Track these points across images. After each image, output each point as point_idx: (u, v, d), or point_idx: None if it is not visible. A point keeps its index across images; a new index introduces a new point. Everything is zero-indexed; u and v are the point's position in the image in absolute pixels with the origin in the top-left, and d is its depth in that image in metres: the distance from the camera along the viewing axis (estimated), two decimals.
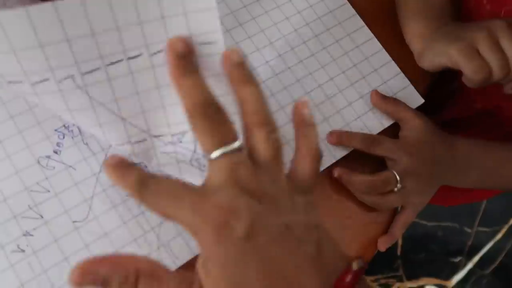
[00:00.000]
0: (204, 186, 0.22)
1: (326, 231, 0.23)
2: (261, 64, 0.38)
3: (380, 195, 0.36)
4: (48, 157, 0.31)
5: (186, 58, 0.22)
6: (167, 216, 0.21)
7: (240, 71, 0.23)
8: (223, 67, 0.23)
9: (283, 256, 0.20)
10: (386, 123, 0.38)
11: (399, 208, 0.39)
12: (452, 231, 1.07)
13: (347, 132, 0.37)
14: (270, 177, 0.22)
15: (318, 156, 0.24)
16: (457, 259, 1.06)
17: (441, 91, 0.50)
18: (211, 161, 0.22)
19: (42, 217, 0.29)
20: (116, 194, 0.31)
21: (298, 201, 0.22)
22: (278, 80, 0.38)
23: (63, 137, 0.32)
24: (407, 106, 0.38)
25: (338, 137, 0.36)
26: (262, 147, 0.23)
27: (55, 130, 0.32)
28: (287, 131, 0.33)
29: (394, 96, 0.39)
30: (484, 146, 0.40)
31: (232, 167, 0.22)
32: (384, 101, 0.38)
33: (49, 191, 0.30)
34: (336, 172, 0.36)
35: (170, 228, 0.30)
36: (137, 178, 0.22)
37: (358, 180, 0.35)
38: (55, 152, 0.31)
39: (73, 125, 0.32)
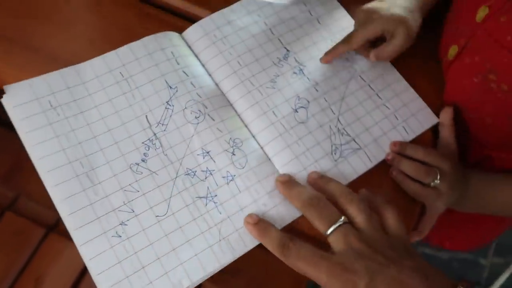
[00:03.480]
0: (331, 255, 0.31)
1: (430, 266, 0.30)
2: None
3: (420, 186, 0.42)
4: (137, 164, 0.39)
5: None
6: (305, 273, 0.31)
7: (319, 180, 0.37)
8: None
9: None
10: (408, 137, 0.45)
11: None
12: (467, 263, 1.08)
13: (410, 144, 0.44)
14: (373, 237, 0.31)
15: (397, 212, 0.34)
16: None
17: None
18: (328, 236, 0.32)
19: (133, 211, 0.37)
20: (188, 196, 0.39)
21: (400, 249, 0.31)
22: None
23: (149, 149, 0.40)
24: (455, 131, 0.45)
25: (402, 146, 0.43)
26: (358, 217, 0.33)
27: (142, 142, 0.40)
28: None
29: (414, 115, 0.46)
30: (493, 178, 0.45)
31: (344, 236, 0.31)
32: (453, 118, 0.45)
33: (138, 191, 0.38)
34: (391, 155, 0.43)
35: (229, 225, 0.38)
36: (278, 241, 0.33)
37: (409, 162, 0.42)
38: (143, 160, 0.39)
39: (156, 138, 0.40)
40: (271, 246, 0.33)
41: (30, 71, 0.41)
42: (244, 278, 0.35)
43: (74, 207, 0.36)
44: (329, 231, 0.32)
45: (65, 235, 0.38)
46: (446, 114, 0.45)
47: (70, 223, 0.35)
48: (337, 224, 0.32)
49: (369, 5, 0.46)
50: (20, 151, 0.37)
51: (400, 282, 0.28)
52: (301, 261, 0.31)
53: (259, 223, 0.35)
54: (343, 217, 0.33)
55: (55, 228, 0.40)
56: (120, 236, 0.36)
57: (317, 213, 0.33)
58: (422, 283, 0.28)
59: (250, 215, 0.37)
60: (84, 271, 0.39)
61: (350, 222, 0.33)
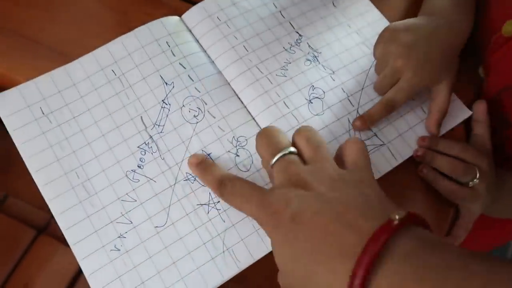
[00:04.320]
0: (271, 187, 0.28)
1: (380, 199, 0.25)
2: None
3: (457, 185, 0.37)
4: (134, 171, 0.37)
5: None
6: (240, 209, 0.29)
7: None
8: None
9: (325, 221, 0.24)
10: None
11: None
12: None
13: (442, 138, 0.39)
14: (315, 169, 0.27)
15: (362, 144, 0.29)
16: None
17: None
18: (272, 167, 0.28)
19: (131, 222, 0.35)
20: (189, 204, 0.36)
21: (346, 182, 0.26)
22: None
23: (145, 153, 0.37)
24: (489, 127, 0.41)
25: (432, 141, 0.39)
26: (304, 148, 0.29)
27: (138, 147, 0.37)
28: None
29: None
30: None
31: (285, 167, 0.28)
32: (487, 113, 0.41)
33: (136, 200, 0.36)
34: (420, 151, 0.38)
35: (233, 235, 0.35)
36: (216, 179, 0.31)
37: (445, 158, 0.37)
38: (139, 166, 0.37)
39: (152, 141, 0.38)
40: (210, 186, 0.32)
41: (17, 59, 0.39)
42: (250, 287, 0.33)
43: (72, 221, 0.35)
44: (273, 161, 0.29)
45: (56, 237, 0.37)
46: (480, 108, 0.39)
47: (69, 237, 0.34)
48: (281, 153, 0.28)
49: (410, 36, 0.38)
50: (10, 148, 0.36)
51: (331, 210, 0.24)
52: (235, 196, 0.29)
53: (202, 162, 0.34)
54: (291, 148, 0.29)
55: (46, 229, 0.39)
56: (119, 250, 0.34)
57: (266, 141, 0.30)
58: (358, 210, 0.23)
59: (194, 155, 0.35)
60: (76, 276, 0.38)
61: (300, 157, 0.29)
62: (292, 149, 0.29)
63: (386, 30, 0.40)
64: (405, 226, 0.22)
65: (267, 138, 0.30)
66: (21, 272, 0.34)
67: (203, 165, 0.34)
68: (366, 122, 0.38)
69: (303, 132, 0.29)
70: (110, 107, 0.38)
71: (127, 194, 0.36)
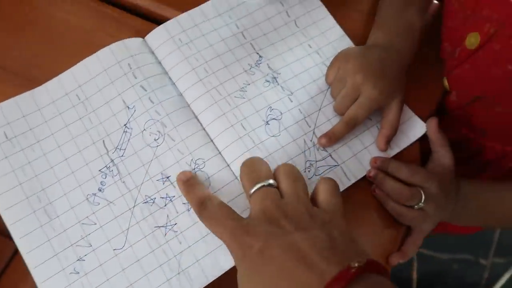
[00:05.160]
0: (246, 218, 0.29)
1: (348, 241, 0.26)
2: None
3: (405, 207, 0.38)
4: (94, 194, 0.38)
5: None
6: (213, 232, 0.30)
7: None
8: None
9: (290, 260, 0.25)
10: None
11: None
12: (467, 264, 1.02)
13: (393, 160, 0.39)
14: (290, 205, 0.28)
15: (334, 183, 0.30)
16: None
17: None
18: (251, 196, 0.30)
19: (91, 245, 0.36)
20: (147, 226, 0.37)
21: (317, 221, 0.27)
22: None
23: (106, 177, 0.38)
24: (447, 142, 0.41)
25: (383, 163, 0.39)
26: (283, 182, 0.30)
27: (99, 170, 0.39)
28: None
29: (401, 126, 0.41)
30: (485, 185, 0.41)
31: (262, 199, 0.29)
32: (439, 130, 0.41)
33: (95, 223, 0.37)
34: (372, 172, 0.39)
35: (189, 256, 0.36)
36: (199, 199, 0.31)
37: (392, 183, 0.38)
38: (100, 189, 0.38)
39: (113, 165, 0.39)
40: (192, 204, 0.33)
41: None
42: None
43: (32, 245, 0.36)
44: (251, 191, 0.30)
45: None
46: (431, 128, 0.40)
47: (29, 261, 0.35)
48: (259, 185, 0.29)
49: (363, 56, 0.40)
50: None
51: (298, 249, 0.25)
52: (212, 221, 0.30)
53: (189, 180, 0.35)
54: (271, 180, 0.30)
55: None
56: (78, 273, 0.36)
57: (247, 171, 0.31)
58: (322, 252, 0.25)
59: (183, 172, 0.36)
60: None
61: (280, 194, 0.30)
62: (271, 181, 0.30)
63: (339, 54, 0.42)
64: (362, 273, 0.23)
65: (248, 168, 0.31)
66: (3, 285, 0.35)
67: (190, 182, 0.35)
68: (332, 139, 0.39)
69: (283, 166, 0.31)
70: (73, 132, 0.40)
71: (87, 217, 0.37)
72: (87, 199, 0.38)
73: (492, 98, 0.42)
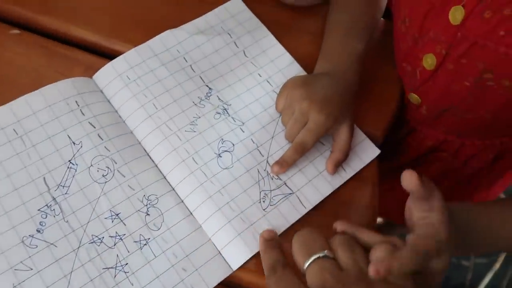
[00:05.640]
0: None
1: None
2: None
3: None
4: (32, 236, 0.34)
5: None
6: None
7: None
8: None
9: None
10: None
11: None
12: (450, 267, 1.08)
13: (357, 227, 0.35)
14: (351, 279, 0.28)
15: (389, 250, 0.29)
16: None
17: (392, 137, 0.53)
18: (306, 270, 0.28)
19: None
20: (94, 269, 0.34)
21: None
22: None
23: (46, 216, 0.35)
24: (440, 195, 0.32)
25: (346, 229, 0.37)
26: (339, 252, 0.29)
27: (38, 209, 0.35)
28: None
29: (353, 150, 0.43)
30: (480, 208, 0.39)
31: (320, 272, 0.28)
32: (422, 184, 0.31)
33: (31, 269, 0.33)
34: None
35: None
36: (272, 263, 0.31)
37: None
38: (38, 231, 0.34)
39: (55, 203, 0.36)
40: (264, 265, 0.32)
41: None
42: None
43: None
44: (306, 264, 0.28)
45: None
46: (411, 182, 0.31)
47: None
48: (315, 256, 0.28)
49: (310, 84, 0.42)
50: None
51: None
52: (278, 286, 0.29)
53: (272, 240, 0.35)
54: (326, 251, 0.29)
55: None
56: None
57: (298, 245, 0.30)
58: None
59: (270, 231, 0.37)
60: None
61: (334, 258, 0.29)
62: (327, 252, 0.29)
63: (287, 82, 0.44)
64: None
65: (300, 242, 0.30)
66: None
67: (271, 243, 0.34)
68: (283, 165, 0.41)
69: (339, 236, 0.30)
70: (8, 168, 0.36)
71: (21, 262, 0.33)
72: (22, 241, 0.33)
73: (460, 109, 0.43)
